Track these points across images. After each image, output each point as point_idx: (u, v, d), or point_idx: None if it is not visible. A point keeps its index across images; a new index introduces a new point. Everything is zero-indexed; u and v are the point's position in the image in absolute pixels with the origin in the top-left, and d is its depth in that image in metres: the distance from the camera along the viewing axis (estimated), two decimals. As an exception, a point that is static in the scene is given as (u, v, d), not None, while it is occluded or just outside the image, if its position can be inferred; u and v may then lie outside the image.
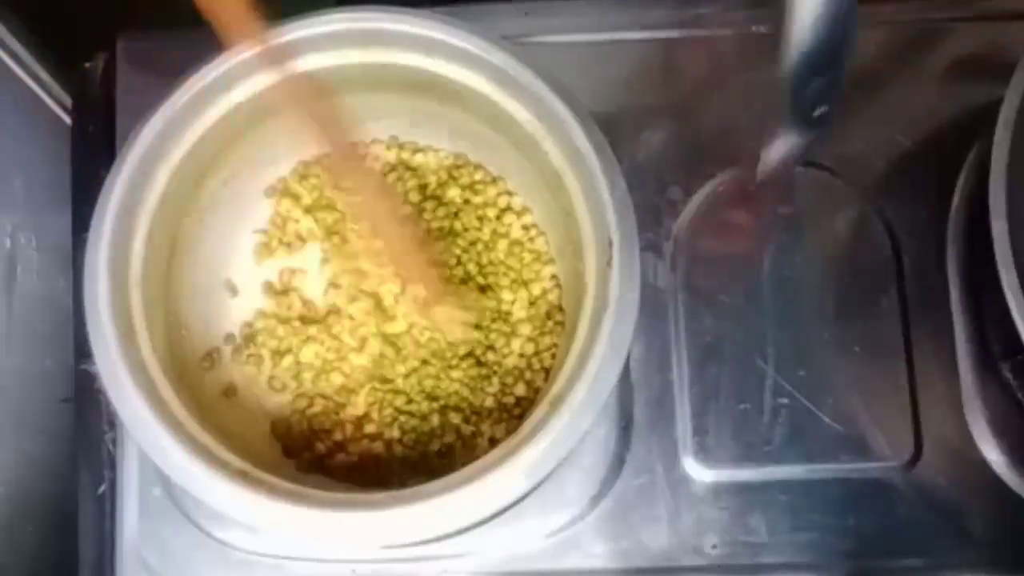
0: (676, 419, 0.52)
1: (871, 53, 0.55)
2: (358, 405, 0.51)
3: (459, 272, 0.52)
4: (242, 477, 0.42)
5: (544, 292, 0.51)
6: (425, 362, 0.51)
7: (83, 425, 0.53)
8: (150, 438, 0.42)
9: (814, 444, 0.51)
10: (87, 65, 0.57)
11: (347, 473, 0.49)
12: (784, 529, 0.51)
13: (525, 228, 0.52)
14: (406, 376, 0.50)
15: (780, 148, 0.44)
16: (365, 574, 0.50)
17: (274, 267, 0.53)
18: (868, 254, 0.53)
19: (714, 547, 0.51)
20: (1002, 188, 0.44)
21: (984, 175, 0.45)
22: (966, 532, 0.50)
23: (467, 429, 0.50)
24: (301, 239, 0.53)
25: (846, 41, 0.37)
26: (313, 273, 0.53)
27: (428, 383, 0.50)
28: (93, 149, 0.55)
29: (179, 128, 0.46)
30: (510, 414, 0.50)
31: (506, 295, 0.51)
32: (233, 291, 0.52)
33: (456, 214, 0.52)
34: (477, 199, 0.52)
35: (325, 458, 0.50)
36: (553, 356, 0.50)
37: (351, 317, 0.51)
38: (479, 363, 0.51)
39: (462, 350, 0.50)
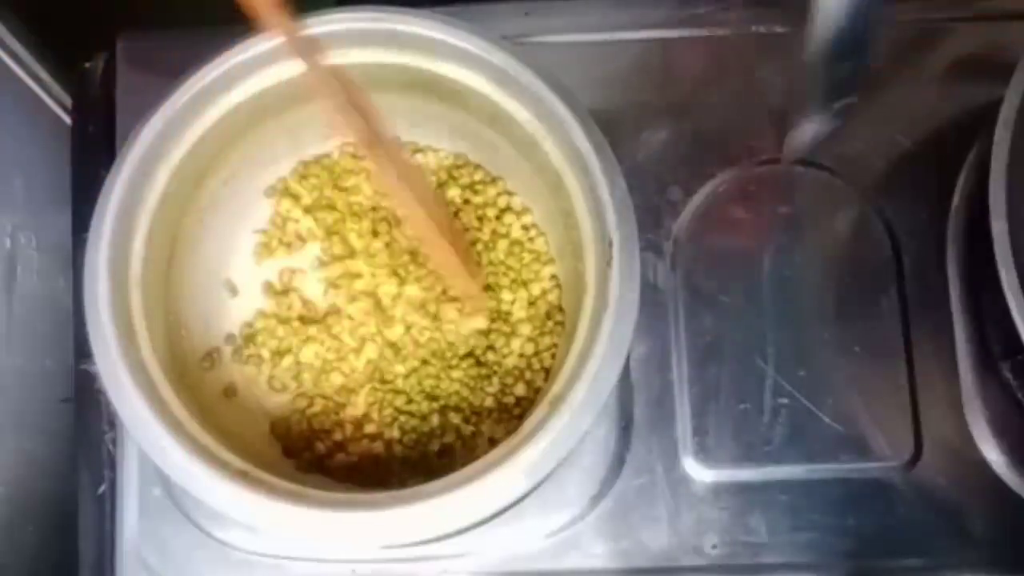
0: (676, 419, 0.52)
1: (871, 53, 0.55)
2: (358, 405, 0.51)
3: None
4: (242, 477, 0.42)
5: (544, 292, 0.51)
6: (425, 362, 0.51)
7: (83, 425, 0.53)
8: (150, 438, 0.42)
9: (814, 444, 0.51)
10: (87, 65, 0.57)
11: (347, 473, 0.49)
12: (784, 529, 0.51)
13: (525, 228, 0.52)
14: (406, 376, 0.50)
15: (806, 132, 0.43)
16: (365, 574, 0.50)
17: (274, 267, 0.53)
18: (868, 254, 0.53)
19: (714, 547, 0.50)
20: (1002, 188, 0.44)
21: (984, 175, 0.45)
22: (966, 532, 0.50)
23: (467, 429, 0.50)
24: (301, 239, 0.53)
25: (871, 26, 0.37)
26: (313, 273, 0.53)
27: (428, 383, 0.50)
28: (93, 149, 0.55)
29: (179, 128, 0.46)
30: (510, 414, 0.50)
31: (506, 295, 0.51)
32: (233, 291, 0.52)
33: (456, 214, 0.52)
34: (477, 199, 0.52)
35: (325, 458, 0.50)
36: (553, 356, 0.50)
37: (350, 317, 0.51)
38: (479, 363, 0.51)
39: (462, 350, 0.50)
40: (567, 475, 0.50)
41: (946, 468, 0.51)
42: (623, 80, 0.55)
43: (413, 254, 0.52)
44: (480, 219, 0.52)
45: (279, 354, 0.51)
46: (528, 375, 0.50)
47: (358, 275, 0.52)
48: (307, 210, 0.53)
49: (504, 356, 0.50)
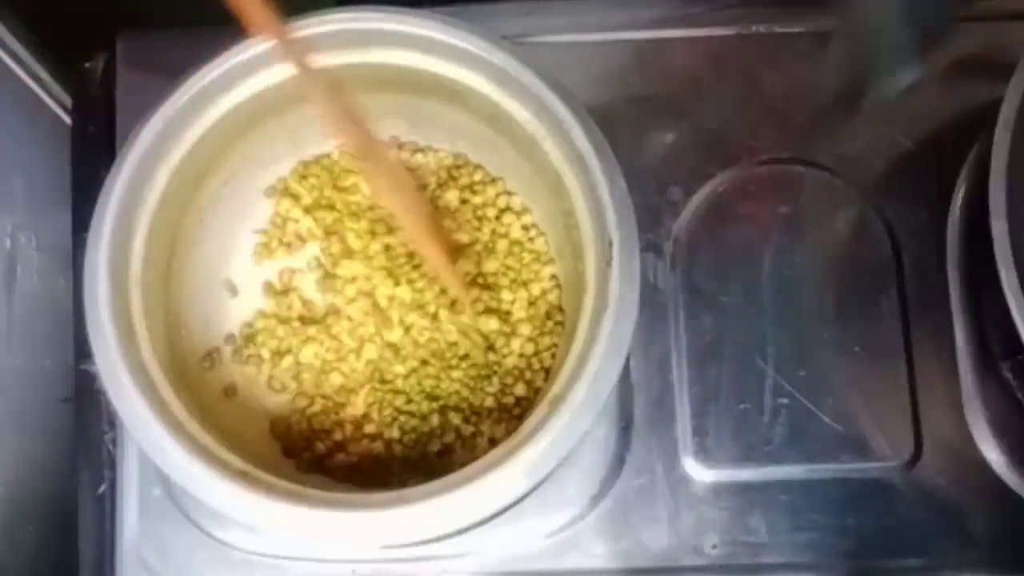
0: (676, 419, 0.52)
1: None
2: (357, 405, 0.51)
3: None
4: (242, 477, 0.42)
5: (544, 292, 0.51)
6: (424, 362, 0.51)
7: (83, 425, 0.53)
8: (150, 438, 0.42)
9: (814, 444, 0.51)
10: (87, 65, 0.57)
11: (347, 473, 0.49)
12: (784, 529, 0.51)
13: (525, 228, 0.52)
14: (406, 376, 0.50)
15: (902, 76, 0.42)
16: (365, 574, 0.50)
17: (274, 267, 0.53)
18: (868, 254, 0.53)
19: (714, 547, 0.50)
20: (1002, 188, 0.44)
21: (984, 175, 0.45)
22: (966, 532, 0.50)
23: (467, 429, 0.50)
24: (301, 239, 0.53)
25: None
26: (312, 273, 0.53)
27: (428, 383, 0.50)
28: (93, 149, 0.55)
29: (179, 128, 0.46)
30: (510, 414, 0.50)
31: (506, 295, 0.51)
32: (233, 291, 0.52)
33: (453, 215, 0.52)
34: (476, 199, 0.52)
35: (325, 458, 0.50)
36: (553, 356, 0.50)
37: (349, 318, 0.51)
38: (479, 363, 0.50)
39: (462, 350, 0.50)
40: (567, 475, 0.50)
41: (946, 468, 0.51)
42: (623, 80, 0.55)
43: (411, 255, 0.52)
44: (480, 219, 0.52)
45: (279, 354, 0.51)
46: (528, 375, 0.50)
47: (356, 276, 0.52)
48: (307, 210, 0.53)
49: (504, 356, 0.50)
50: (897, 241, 0.53)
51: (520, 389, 0.50)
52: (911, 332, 0.52)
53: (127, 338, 0.43)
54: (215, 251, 0.51)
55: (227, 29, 0.46)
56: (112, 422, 0.53)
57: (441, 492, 0.41)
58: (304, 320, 0.51)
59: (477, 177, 0.53)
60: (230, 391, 0.51)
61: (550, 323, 0.51)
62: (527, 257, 0.52)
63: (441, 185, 0.53)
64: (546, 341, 0.50)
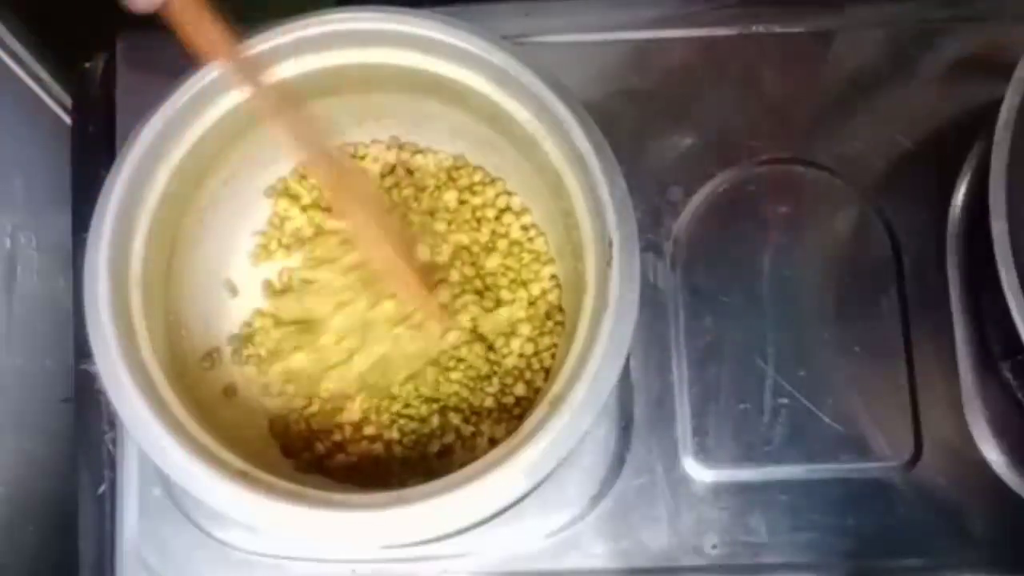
0: (676, 419, 0.52)
1: (871, 53, 0.55)
2: (354, 411, 0.50)
3: (456, 274, 0.51)
4: (242, 477, 0.42)
5: (544, 292, 0.51)
6: (419, 371, 0.50)
7: (83, 425, 0.53)
8: (150, 438, 0.42)
9: (814, 444, 0.51)
10: (87, 65, 0.57)
11: (347, 473, 0.49)
12: (784, 529, 0.51)
13: (524, 228, 0.52)
14: (402, 383, 0.50)
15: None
16: (365, 574, 0.50)
17: (273, 267, 0.53)
18: (868, 254, 0.53)
19: (714, 547, 0.50)
20: (1002, 188, 0.44)
21: (984, 175, 0.45)
22: (966, 532, 0.50)
23: (467, 429, 0.50)
24: (300, 240, 0.53)
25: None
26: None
27: (425, 389, 0.50)
28: (93, 149, 0.55)
29: (179, 128, 0.46)
30: (510, 414, 0.50)
31: (505, 295, 0.51)
32: (233, 291, 0.52)
33: (449, 223, 0.52)
34: (476, 200, 0.52)
35: (324, 458, 0.50)
36: (553, 356, 0.50)
37: (335, 330, 0.51)
38: (476, 364, 0.50)
39: (463, 352, 0.50)
40: (567, 475, 0.50)
41: (946, 468, 0.51)
42: (623, 80, 0.55)
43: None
44: (479, 220, 0.52)
45: (274, 356, 0.51)
46: (528, 375, 0.50)
47: (334, 285, 0.51)
48: (305, 210, 0.53)
49: (504, 356, 0.50)
50: (897, 241, 0.53)
51: (520, 389, 0.50)
52: (911, 332, 0.52)
53: (127, 338, 0.43)
54: (215, 251, 0.51)
55: (227, 29, 0.46)
56: (112, 422, 0.53)
57: (441, 492, 0.41)
58: (300, 323, 0.51)
59: (476, 178, 0.53)
60: (230, 391, 0.51)
61: (550, 323, 0.50)
62: (527, 257, 0.52)
63: (440, 186, 0.53)
64: (546, 341, 0.50)
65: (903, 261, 0.53)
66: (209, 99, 0.46)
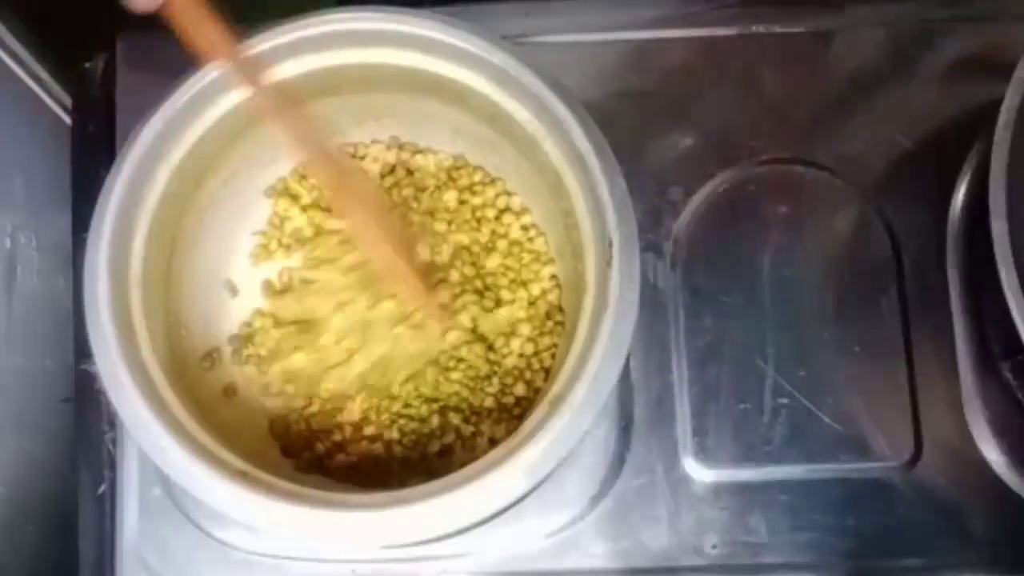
0: (676, 419, 0.52)
1: (871, 53, 0.55)
2: (353, 411, 0.50)
3: (456, 274, 0.51)
4: (242, 477, 0.42)
5: (544, 292, 0.51)
6: (419, 372, 0.50)
7: (83, 425, 0.53)
8: (150, 438, 0.42)
9: (814, 444, 0.51)
10: (87, 65, 0.57)
11: (347, 473, 0.49)
12: (784, 529, 0.51)
13: (524, 228, 0.52)
14: (402, 383, 0.50)
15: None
16: (365, 574, 0.50)
17: (273, 268, 0.53)
18: (868, 254, 0.53)
19: (714, 547, 0.50)
20: (1002, 188, 0.44)
21: (984, 175, 0.45)
22: (966, 532, 0.50)
23: (467, 429, 0.50)
24: (300, 240, 0.53)
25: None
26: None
27: (425, 389, 0.50)
28: (93, 149, 0.55)
29: (179, 128, 0.46)
30: (510, 414, 0.50)
31: (505, 295, 0.51)
32: (233, 291, 0.52)
33: (449, 223, 0.52)
34: (476, 200, 0.52)
35: (324, 458, 0.50)
36: (553, 356, 0.50)
37: (335, 330, 0.50)
38: (477, 364, 0.50)
39: (463, 352, 0.50)
40: (567, 475, 0.50)
41: (946, 468, 0.51)
42: (623, 80, 0.55)
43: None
44: (479, 220, 0.52)
45: (274, 356, 0.51)
46: (528, 375, 0.50)
47: (334, 286, 0.51)
48: (305, 210, 0.53)
49: (504, 356, 0.50)
50: (897, 241, 0.53)
51: (520, 389, 0.50)
52: (911, 332, 0.52)
53: (127, 338, 0.43)
54: (215, 251, 0.51)
55: (227, 29, 0.46)
56: (112, 422, 0.53)
57: (441, 492, 0.41)
58: (299, 323, 0.51)
59: (476, 178, 0.53)
60: (230, 391, 0.51)
61: (550, 323, 0.50)
62: (526, 257, 0.52)
63: (440, 186, 0.53)
64: (546, 341, 0.50)
65: (903, 261, 0.53)
66: (209, 99, 0.46)
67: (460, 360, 0.50)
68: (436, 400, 0.50)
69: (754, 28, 0.56)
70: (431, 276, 0.51)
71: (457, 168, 0.53)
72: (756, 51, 0.56)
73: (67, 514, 0.53)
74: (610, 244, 0.43)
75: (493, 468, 0.41)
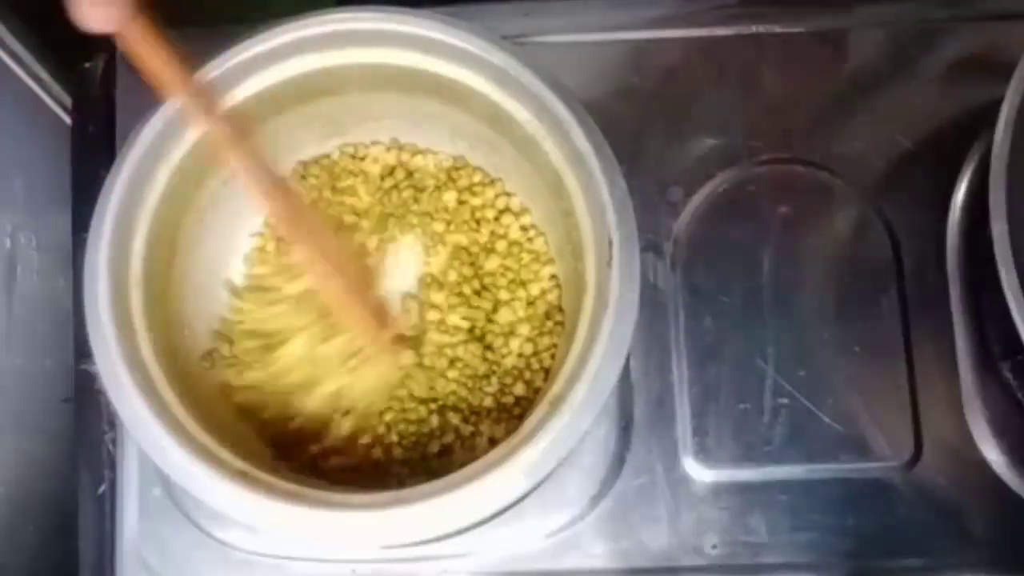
0: (676, 419, 0.52)
1: (871, 53, 0.55)
2: (343, 426, 0.50)
3: (455, 275, 0.51)
4: (242, 477, 0.42)
5: (543, 292, 0.51)
6: (409, 376, 0.50)
7: (83, 425, 0.53)
8: (150, 438, 0.42)
9: (814, 444, 0.51)
10: (87, 65, 0.57)
11: (346, 474, 0.49)
12: (784, 529, 0.51)
13: (524, 229, 0.52)
14: (383, 408, 0.50)
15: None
16: (365, 574, 0.50)
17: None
18: (868, 254, 0.53)
19: (714, 547, 0.50)
20: (1002, 188, 0.44)
21: (984, 175, 0.45)
22: (966, 532, 0.50)
23: (466, 429, 0.50)
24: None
25: None
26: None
27: (418, 391, 0.50)
28: (93, 149, 0.55)
29: (179, 128, 0.46)
30: (509, 414, 0.50)
31: (504, 295, 0.51)
32: (233, 291, 0.52)
33: (448, 224, 0.52)
34: (475, 201, 0.52)
35: (323, 459, 0.50)
36: (552, 356, 0.50)
37: (291, 356, 0.50)
38: (474, 364, 0.50)
39: (459, 351, 0.50)
40: (567, 475, 0.50)
41: (946, 468, 0.51)
42: (624, 80, 0.55)
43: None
44: (478, 220, 0.52)
45: (243, 365, 0.50)
46: (527, 375, 0.50)
47: (293, 311, 0.50)
48: (306, 210, 0.53)
49: (503, 356, 0.50)
50: (897, 241, 0.53)
51: (519, 389, 0.50)
52: (911, 332, 0.52)
53: (127, 338, 0.43)
54: (215, 251, 0.51)
55: (227, 29, 0.46)
56: (112, 422, 0.53)
57: (441, 492, 0.41)
58: (259, 337, 0.50)
59: (476, 179, 0.53)
60: (228, 391, 0.50)
61: (549, 323, 0.50)
62: (526, 257, 0.51)
63: (440, 187, 0.53)
64: (545, 341, 0.50)
65: (903, 261, 0.53)
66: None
67: (456, 359, 0.50)
68: (434, 400, 0.50)
69: (754, 28, 0.56)
70: (384, 314, 0.50)
71: (457, 169, 0.53)
72: (756, 51, 0.56)
73: (67, 514, 0.53)
74: (610, 244, 0.43)
75: (493, 468, 0.41)
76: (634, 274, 0.43)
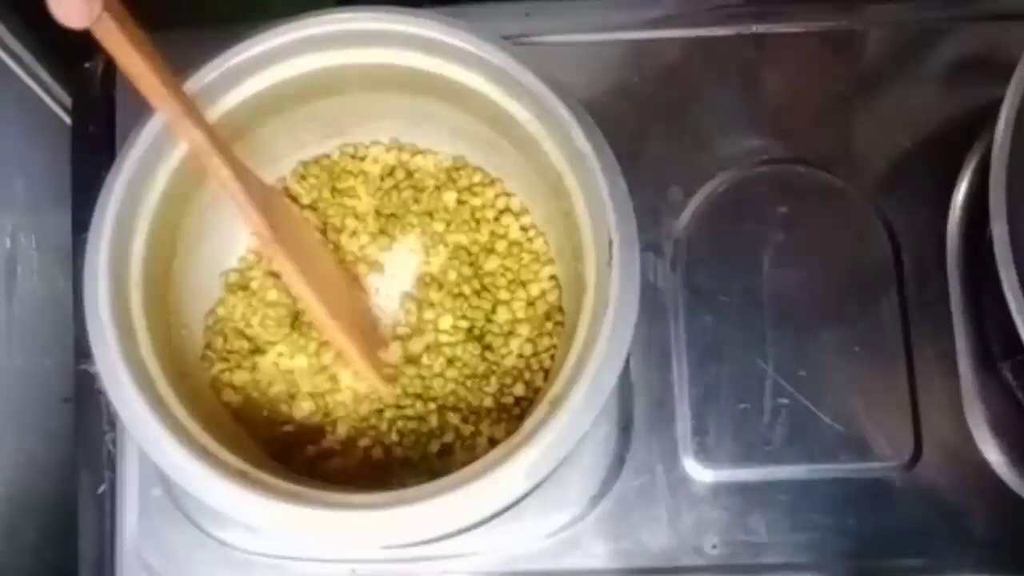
0: (676, 419, 0.52)
1: (871, 53, 0.55)
2: (339, 431, 0.50)
3: (455, 275, 0.51)
4: (242, 477, 0.42)
5: (543, 293, 0.51)
6: (404, 372, 0.50)
7: (83, 425, 0.53)
8: (150, 438, 0.42)
9: (814, 444, 0.51)
10: (87, 65, 0.57)
11: (346, 474, 0.49)
12: (784, 529, 0.51)
13: (524, 229, 0.52)
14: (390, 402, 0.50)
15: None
16: (365, 574, 0.50)
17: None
18: (868, 254, 0.53)
19: (714, 547, 0.50)
20: (1002, 188, 0.44)
21: (984, 175, 0.45)
22: (966, 532, 0.50)
23: (466, 429, 0.50)
24: (300, 240, 0.53)
25: None
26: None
27: (416, 387, 0.50)
28: (93, 149, 0.55)
29: (179, 128, 0.46)
30: (509, 414, 0.50)
31: (503, 296, 0.51)
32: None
33: (448, 224, 0.52)
34: (475, 201, 0.52)
35: (323, 460, 0.50)
36: (552, 357, 0.50)
37: (274, 364, 0.50)
38: (472, 363, 0.50)
39: (458, 350, 0.50)
40: (567, 475, 0.50)
41: (946, 468, 0.51)
42: (623, 80, 0.55)
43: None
44: (478, 221, 0.52)
45: (235, 366, 0.50)
46: (527, 375, 0.50)
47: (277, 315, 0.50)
48: (304, 210, 0.53)
49: (502, 356, 0.50)
50: (897, 241, 0.53)
51: (519, 389, 0.50)
52: (911, 332, 0.52)
53: (127, 338, 0.43)
54: (215, 251, 0.51)
55: (227, 29, 0.46)
56: (112, 422, 0.53)
57: (441, 492, 0.41)
58: (246, 339, 0.50)
59: (476, 179, 0.53)
60: (226, 391, 0.50)
61: (549, 324, 0.50)
62: (526, 258, 0.51)
63: (440, 187, 0.53)
64: (545, 342, 0.50)
65: (903, 261, 0.53)
66: (209, 99, 0.46)
67: (454, 359, 0.50)
68: (434, 399, 0.50)
69: (754, 28, 0.56)
70: (375, 335, 0.50)
71: (457, 169, 0.53)
72: (756, 51, 0.56)
73: (67, 514, 0.53)
74: (610, 244, 0.43)
75: (493, 468, 0.41)
76: (634, 274, 0.43)
